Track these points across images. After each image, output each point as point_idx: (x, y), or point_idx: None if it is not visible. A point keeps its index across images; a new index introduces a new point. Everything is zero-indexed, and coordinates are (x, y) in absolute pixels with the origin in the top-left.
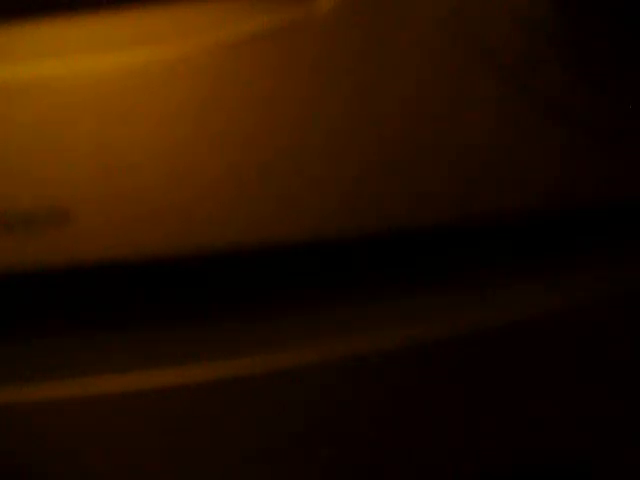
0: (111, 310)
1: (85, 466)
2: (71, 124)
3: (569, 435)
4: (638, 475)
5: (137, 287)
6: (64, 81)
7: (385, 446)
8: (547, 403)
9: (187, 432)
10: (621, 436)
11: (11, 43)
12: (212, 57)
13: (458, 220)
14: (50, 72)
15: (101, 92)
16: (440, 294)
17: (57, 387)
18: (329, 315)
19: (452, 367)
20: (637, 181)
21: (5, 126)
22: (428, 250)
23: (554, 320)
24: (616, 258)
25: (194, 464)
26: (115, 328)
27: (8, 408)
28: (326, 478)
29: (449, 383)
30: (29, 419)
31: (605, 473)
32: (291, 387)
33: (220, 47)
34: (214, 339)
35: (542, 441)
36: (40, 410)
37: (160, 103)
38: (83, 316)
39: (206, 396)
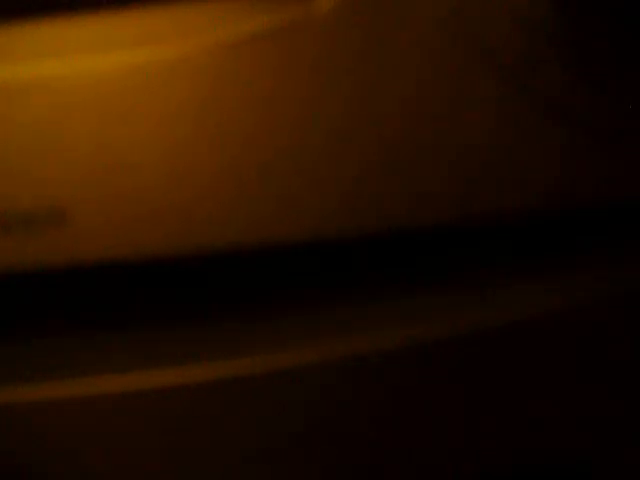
0: (111, 310)
1: (85, 466)
2: (71, 124)
3: (569, 435)
4: (638, 475)
5: (137, 287)
6: (64, 81)
7: (385, 446)
8: (547, 403)
9: (187, 432)
10: (621, 436)
11: (11, 43)
12: (212, 57)
13: (458, 220)
14: (50, 72)
15: (101, 92)
16: (440, 294)
17: (57, 387)
18: (329, 315)
19: (452, 367)
20: (637, 181)
21: (5, 126)
22: (428, 250)
23: (554, 320)
24: (616, 258)
25: (194, 464)
26: (115, 328)
27: (8, 408)
28: (326, 478)
29: (449, 383)
30: (29, 419)
31: (605, 473)
32: (291, 387)
33: (220, 47)
34: (214, 339)
35: (542, 441)
36: (40, 410)
37: (160, 103)
38: (83, 316)
39: (206, 396)
